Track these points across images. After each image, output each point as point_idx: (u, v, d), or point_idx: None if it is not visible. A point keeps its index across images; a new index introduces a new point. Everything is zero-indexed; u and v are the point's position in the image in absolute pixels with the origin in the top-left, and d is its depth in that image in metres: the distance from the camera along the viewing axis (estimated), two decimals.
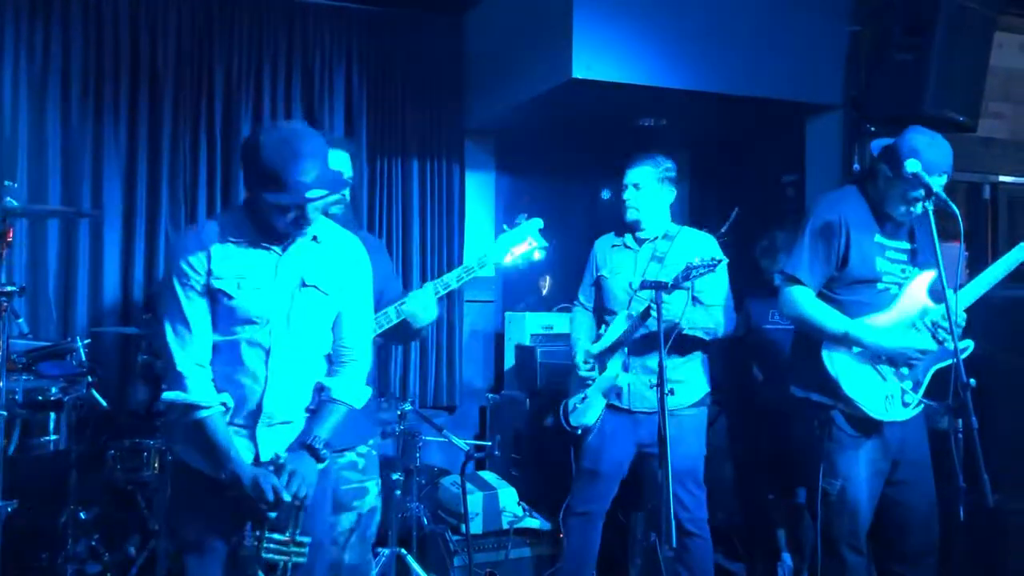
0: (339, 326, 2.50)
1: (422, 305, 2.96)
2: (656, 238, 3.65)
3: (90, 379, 3.85)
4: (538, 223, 3.06)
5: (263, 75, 5.11)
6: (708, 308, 3.52)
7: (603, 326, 3.68)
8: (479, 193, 5.78)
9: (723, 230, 4.14)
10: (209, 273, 2.33)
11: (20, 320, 4.03)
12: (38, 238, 4.71)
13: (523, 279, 5.91)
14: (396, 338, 3.13)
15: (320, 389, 2.49)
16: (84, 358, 3.88)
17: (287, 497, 2.29)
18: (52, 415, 3.75)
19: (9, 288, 3.57)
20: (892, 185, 3.00)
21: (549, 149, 5.91)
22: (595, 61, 4.30)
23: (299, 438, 2.42)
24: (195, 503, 2.40)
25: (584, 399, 3.64)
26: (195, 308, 2.33)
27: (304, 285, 2.40)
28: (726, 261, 3.16)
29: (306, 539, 2.35)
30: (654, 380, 3.48)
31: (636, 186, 3.62)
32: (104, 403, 3.86)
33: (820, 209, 3.15)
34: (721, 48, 4.52)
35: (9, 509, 3.22)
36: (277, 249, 2.37)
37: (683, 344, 3.47)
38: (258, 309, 2.34)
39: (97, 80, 4.79)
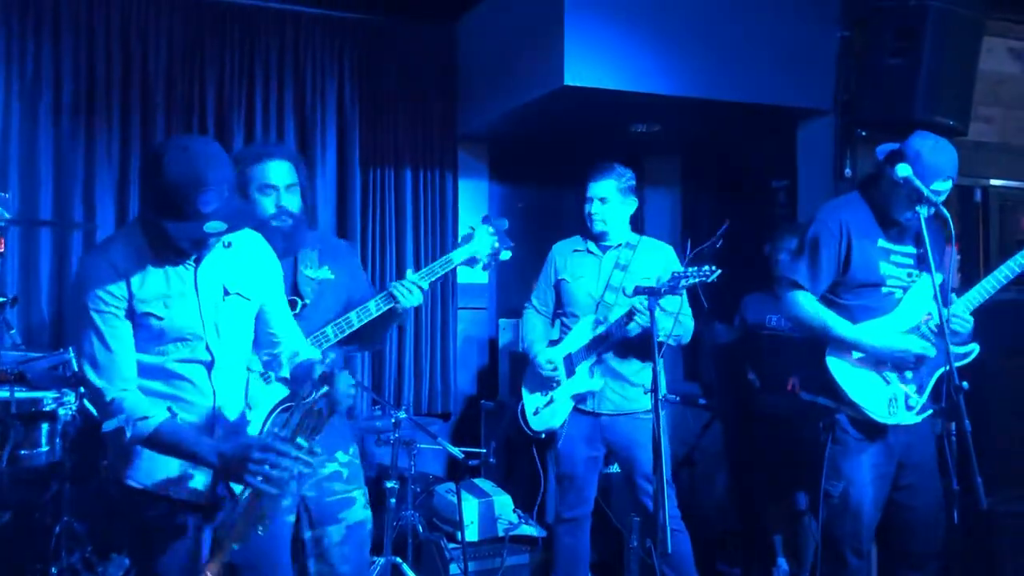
0: (267, 319, 2.47)
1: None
2: (620, 246, 3.76)
3: (83, 390, 3.83)
4: (503, 224, 3.01)
5: (255, 84, 5.11)
6: (676, 315, 3.56)
7: (561, 329, 3.74)
8: (472, 200, 5.78)
9: (717, 243, 4.17)
10: (131, 298, 2.22)
11: (13, 331, 4.02)
12: (31, 248, 4.69)
13: (516, 285, 5.91)
14: (365, 338, 3.05)
15: (292, 355, 2.49)
16: (77, 368, 3.85)
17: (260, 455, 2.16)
18: (46, 426, 3.73)
19: (1, 299, 3.57)
20: (897, 189, 3.02)
21: (542, 156, 5.92)
22: (587, 68, 4.31)
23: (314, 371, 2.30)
24: (158, 530, 2.32)
25: (549, 403, 3.68)
26: (118, 335, 2.21)
27: (227, 294, 2.35)
28: (719, 272, 3.18)
29: (319, 449, 2.27)
30: (620, 385, 3.58)
31: (602, 200, 3.73)
32: (97, 414, 3.83)
33: (822, 215, 3.18)
34: (712, 54, 4.54)
35: (3, 520, 3.20)
36: (190, 262, 2.29)
37: (648, 350, 3.50)
38: (190, 326, 2.28)
39: (88, 91, 4.78)
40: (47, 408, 3.70)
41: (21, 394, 3.64)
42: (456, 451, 3.98)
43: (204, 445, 2.21)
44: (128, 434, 2.18)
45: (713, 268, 3.16)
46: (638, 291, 3.26)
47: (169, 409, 2.25)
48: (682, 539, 3.61)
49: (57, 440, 3.74)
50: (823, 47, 4.76)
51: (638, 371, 3.63)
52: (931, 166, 2.91)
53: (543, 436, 3.73)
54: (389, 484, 3.92)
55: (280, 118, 5.17)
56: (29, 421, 3.67)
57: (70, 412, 3.76)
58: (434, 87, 5.52)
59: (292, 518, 2.88)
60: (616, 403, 3.65)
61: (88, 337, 2.20)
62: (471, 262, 2.97)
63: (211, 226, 2.11)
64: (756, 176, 5.60)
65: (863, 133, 4.60)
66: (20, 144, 4.67)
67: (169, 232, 2.13)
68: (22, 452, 3.65)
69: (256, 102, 5.11)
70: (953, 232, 2.80)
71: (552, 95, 4.48)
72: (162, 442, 2.22)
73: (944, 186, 2.95)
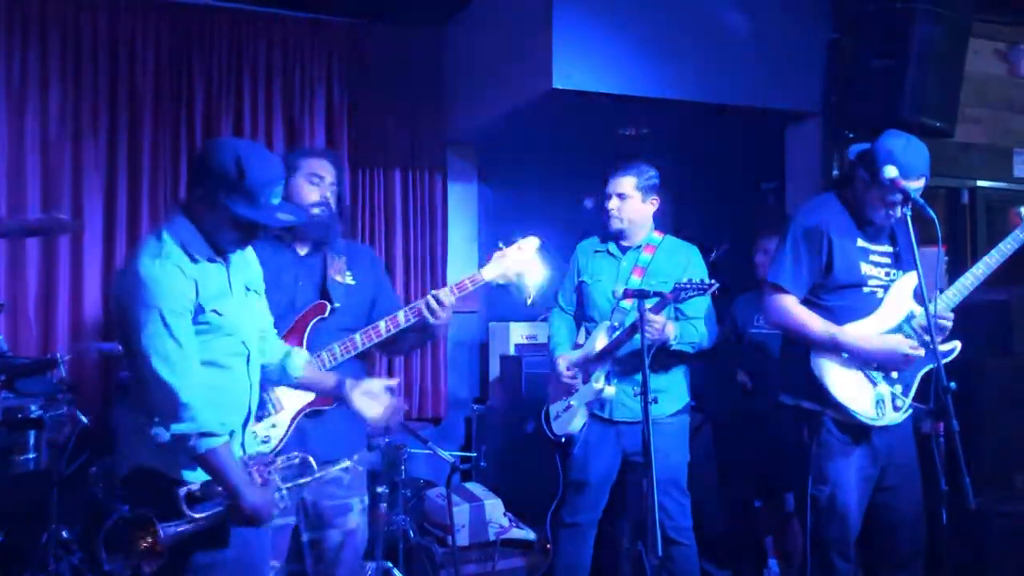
0: None
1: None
2: (640, 246, 3.64)
3: (71, 396, 3.81)
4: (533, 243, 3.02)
5: (243, 88, 5.10)
6: (692, 321, 3.53)
7: (584, 332, 3.69)
8: (461, 204, 5.78)
9: (711, 260, 4.17)
10: (198, 297, 2.30)
11: None
12: (18, 253, 4.67)
13: (507, 289, 5.90)
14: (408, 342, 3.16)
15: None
16: (65, 374, 3.84)
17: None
18: (32, 433, 3.72)
19: None
20: (870, 190, 3.02)
21: (531, 159, 5.92)
22: (575, 71, 4.31)
23: None
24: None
25: (568, 408, 3.64)
26: (187, 335, 2.27)
27: (248, 290, 2.48)
28: (717, 285, 3.15)
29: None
30: (638, 390, 3.53)
31: (620, 196, 3.60)
32: (85, 420, 3.81)
33: (800, 216, 3.16)
34: (701, 57, 4.55)
35: None
36: (222, 262, 2.40)
37: (668, 357, 3.48)
38: (235, 321, 2.39)
39: (76, 94, 4.77)
40: (34, 415, 3.68)
41: (8, 401, 3.62)
42: (447, 455, 3.97)
43: (249, 489, 2.28)
44: (191, 442, 2.23)
45: (712, 281, 3.12)
46: (627, 294, 3.23)
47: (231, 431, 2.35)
48: (688, 554, 3.53)
49: (44, 447, 3.72)
50: (812, 50, 4.77)
51: (655, 378, 3.46)
52: (905, 165, 2.91)
53: (563, 440, 3.67)
54: (380, 489, 3.91)
55: (269, 122, 5.16)
56: (16, 428, 3.65)
57: (58, 418, 3.74)
58: (423, 91, 5.52)
59: (293, 520, 2.92)
60: (632, 410, 3.51)
61: (161, 338, 2.23)
62: (501, 279, 3.03)
63: (283, 216, 2.32)
64: (745, 178, 5.61)
65: (851, 135, 4.61)
66: (8, 148, 4.66)
67: (241, 217, 2.26)
68: (10, 459, 3.64)
69: (244, 106, 5.10)
70: (939, 232, 2.79)
71: (540, 98, 4.48)
72: (210, 463, 2.26)
73: (919, 184, 2.95)
